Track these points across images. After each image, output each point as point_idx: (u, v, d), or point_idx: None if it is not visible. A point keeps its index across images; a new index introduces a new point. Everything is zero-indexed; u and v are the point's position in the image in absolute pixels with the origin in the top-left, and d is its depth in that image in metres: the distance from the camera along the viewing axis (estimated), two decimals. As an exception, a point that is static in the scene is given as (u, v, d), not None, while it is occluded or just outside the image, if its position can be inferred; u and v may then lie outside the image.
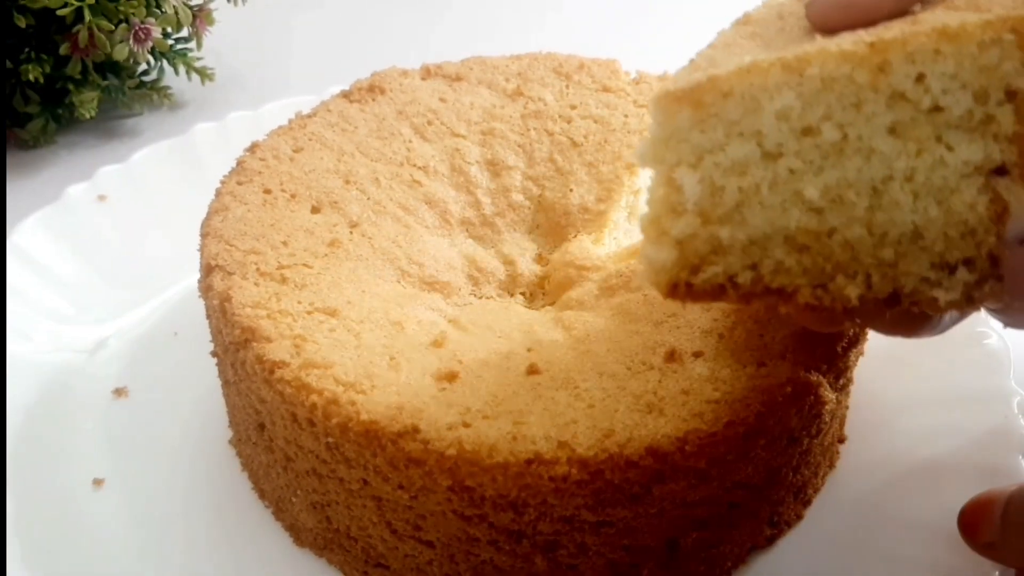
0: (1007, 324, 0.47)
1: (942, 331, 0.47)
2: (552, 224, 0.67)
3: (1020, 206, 0.42)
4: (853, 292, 0.44)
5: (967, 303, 0.43)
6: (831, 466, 0.63)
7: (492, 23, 1.21)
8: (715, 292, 0.45)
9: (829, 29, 0.45)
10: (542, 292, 0.65)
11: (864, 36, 0.41)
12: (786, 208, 0.43)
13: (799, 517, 0.61)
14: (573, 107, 0.72)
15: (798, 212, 0.43)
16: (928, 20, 0.41)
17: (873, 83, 0.41)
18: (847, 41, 0.41)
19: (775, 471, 0.55)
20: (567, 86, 0.74)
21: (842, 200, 0.43)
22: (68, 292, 0.76)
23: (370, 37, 1.18)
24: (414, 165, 0.68)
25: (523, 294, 0.65)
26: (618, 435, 0.49)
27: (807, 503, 0.61)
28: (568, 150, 0.69)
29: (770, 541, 0.60)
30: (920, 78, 0.41)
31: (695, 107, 0.42)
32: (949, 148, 0.41)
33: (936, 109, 0.41)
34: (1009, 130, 0.41)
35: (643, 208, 0.46)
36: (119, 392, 0.70)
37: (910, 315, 0.44)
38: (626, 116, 0.72)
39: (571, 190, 0.67)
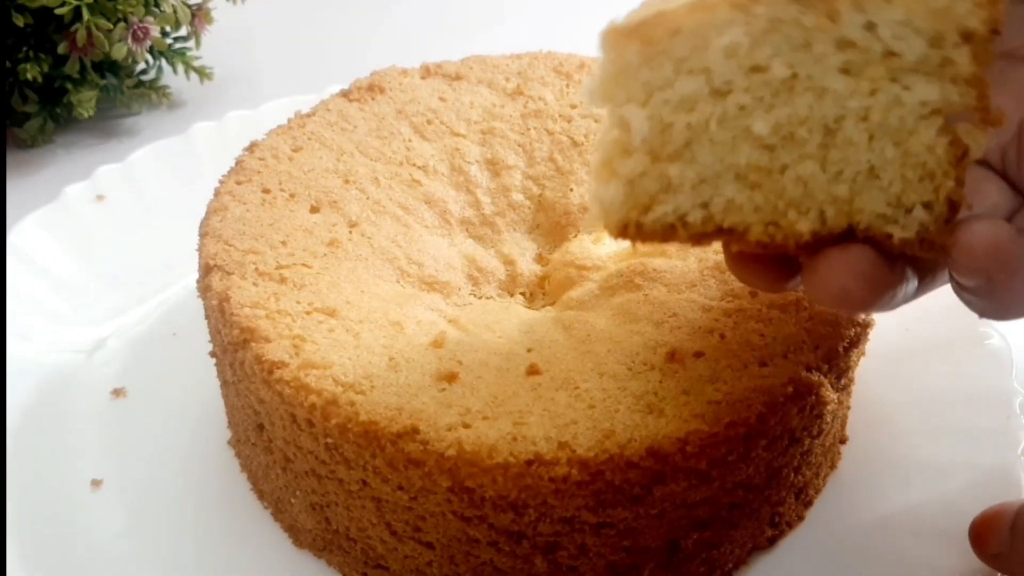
0: (984, 314, 0.45)
1: (892, 307, 0.45)
2: (552, 224, 0.67)
3: (979, 149, 0.42)
4: (805, 227, 0.43)
5: (919, 245, 0.43)
6: (832, 467, 0.63)
7: (492, 22, 1.20)
8: (665, 232, 0.44)
9: None
10: (542, 292, 0.64)
11: None
12: (736, 145, 0.43)
13: (800, 518, 0.61)
14: (573, 106, 0.72)
15: (748, 148, 0.43)
16: None
17: (822, 27, 0.40)
18: None
19: (776, 472, 0.55)
20: (567, 85, 0.74)
21: (793, 137, 0.42)
22: (66, 292, 0.76)
23: (370, 36, 1.18)
24: (414, 164, 0.68)
25: (523, 294, 0.64)
26: (619, 436, 0.49)
27: (808, 504, 0.61)
28: (568, 149, 0.69)
29: (771, 542, 0.59)
30: (870, 26, 0.40)
31: (644, 43, 0.42)
32: (905, 88, 0.41)
33: (890, 54, 0.40)
34: (967, 72, 0.40)
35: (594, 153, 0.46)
36: (117, 392, 0.70)
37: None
38: (626, 115, 0.71)
39: (571, 189, 0.67)
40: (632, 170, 0.44)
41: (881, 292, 0.43)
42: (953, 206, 0.42)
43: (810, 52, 0.41)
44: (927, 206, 0.42)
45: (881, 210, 0.43)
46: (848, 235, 0.43)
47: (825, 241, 0.43)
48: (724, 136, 0.43)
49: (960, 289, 0.45)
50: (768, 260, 0.46)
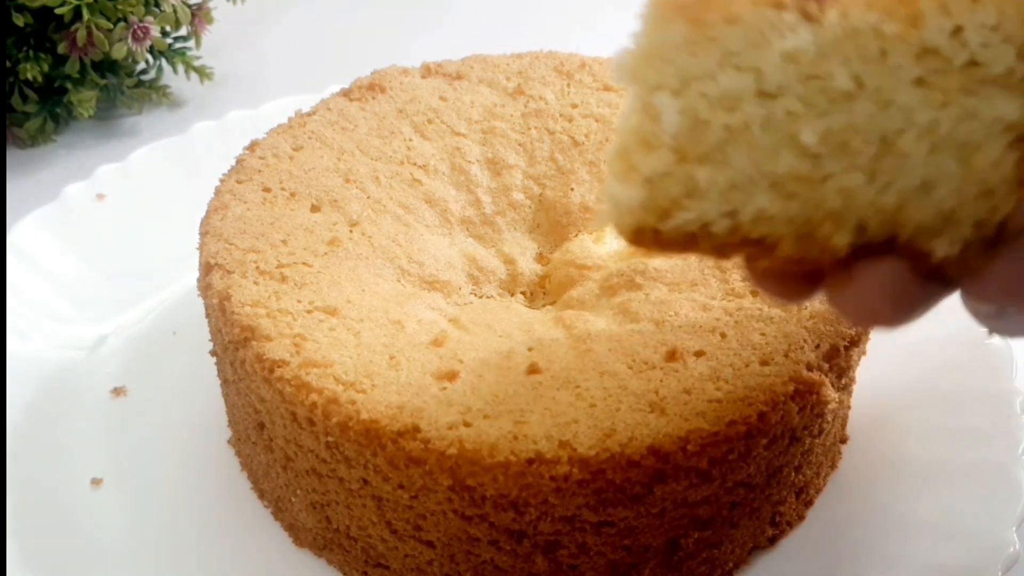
0: (993, 330, 0.42)
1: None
2: (553, 223, 0.67)
3: None
4: (842, 241, 0.39)
5: (956, 264, 0.38)
6: (833, 466, 0.63)
7: (493, 22, 1.20)
8: (686, 242, 0.40)
9: None
10: (543, 291, 0.64)
11: None
12: (777, 151, 0.38)
13: (801, 517, 0.61)
14: (574, 106, 0.72)
15: (790, 156, 0.38)
16: None
17: (903, 36, 0.35)
18: None
19: (777, 471, 0.55)
20: (568, 85, 0.74)
21: (845, 147, 0.37)
22: (66, 291, 0.76)
23: (370, 35, 1.18)
24: (414, 164, 0.68)
25: (524, 293, 0.64)
26: (619, 435, 0.49)
27: (809, 503, 0.61)
28: (569, 149, 0.69)
29: (772, 541, 0.59)
30: (957, 31, 0.35)
31: (693, 24, 0.36)
32: (982, 100, 0.36)
33: (972, 64, 0.36)
34: None
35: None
36: (117, 391, 0.70)
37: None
38: (627, 115, 0.71)
39: (572, 189, 0.67)
40: (654, 168, 0.39)
41: (911, 311, 0.40)
42: (1004, 228, 0.38)
43: (884, 64, 0.36)
44: (978, 225, 0.38)
45: (928, 223, 0.38)
46: (885, 245, 0.39)
47: (859, 251, 0.39)
48: (765, 141, 0.38)
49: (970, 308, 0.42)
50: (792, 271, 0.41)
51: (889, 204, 0.38)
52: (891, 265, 0.39)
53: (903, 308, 0.39)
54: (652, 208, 0.39)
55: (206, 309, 0.60)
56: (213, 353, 0.63)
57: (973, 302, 0.40)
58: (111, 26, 0.92)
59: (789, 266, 0.40)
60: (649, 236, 0.40)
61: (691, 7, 0.36)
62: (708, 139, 0.38)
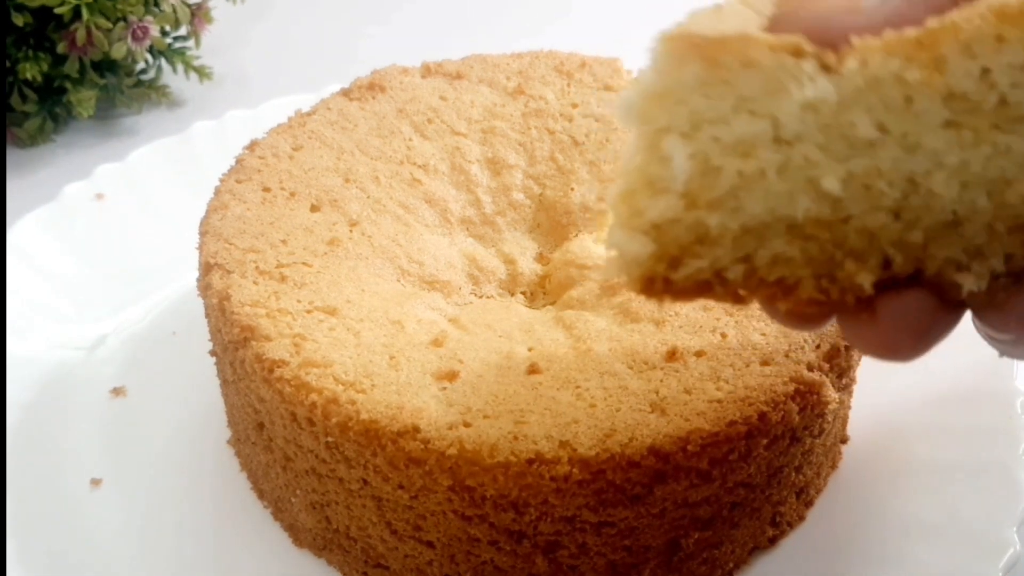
0: (1004, 353, 0.41)
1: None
2: (553, 223, 0.66)
3: None
4: (867, 279, 0.37)
5: (987, 296, 0.37)
6: (833, 466, 0.63)
7: (493, 21, 1.20)
8: (699, 289, 0.38)
9: None
10: (543, 291, 0.64)
11: (910, 29, 0.33)
12: (794, 196, 0.36)
13: (801, 518, 0.61)
14: (575, 105, 0.72)
15: (809, 200, 0.36)
16: None
17: (927, 82, 0.33)
18: (891, 32, 0.33)
19: (777, 471, 0.55)
20: (568, 84, 0.74)
21: (868, 189, 0.35)
22: (66, 291, 0.76)
23: (370, 35, 1.18)
24: (414, 163, 0.68)
25: (524, 293, 0.64)
26: (620, 435, 0.49)
27: (809, 503, 0.61)
28: (569, 149, 0.69)
29: (772, 541, 0.59)
30: (984, 73, 0.33)
31: (708, 64, 0.34)
32: (1015, 135, 0.35)
33: (1003, 103, 0.34)
34: None
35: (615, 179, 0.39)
36: (117, 391, 0.70)
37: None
38: (627, 115, 0.71)
39: (572, 189, 0.67)
40: (661, 214, 0.37)
41: (933, 342, 0.38)
42: None
43: (910, 110, 0.34)
44: (1008, 258, 0.37)
45: (956, 257, 0.37)
46: (911, 278, 0.37)
47: (884, 284, 0.37)
48: (781, 187, 0.36)
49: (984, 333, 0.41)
50: None
51: (916, 239, 0.37)
52: (917, 298, 0.37)
53: (926, 341, 0.38)
54: (661, 257, 0.37)
55: (206, 309, 0.60)
56: (213, 353, 0.63)
57: (990, 330, 0.39)
58: (111, 26, 0.92)
59: (811, 308, 0.38)
60: (660, 286, 0.38)
61: (707, 47, 0.34)
62: (720, 185, 0.36)
